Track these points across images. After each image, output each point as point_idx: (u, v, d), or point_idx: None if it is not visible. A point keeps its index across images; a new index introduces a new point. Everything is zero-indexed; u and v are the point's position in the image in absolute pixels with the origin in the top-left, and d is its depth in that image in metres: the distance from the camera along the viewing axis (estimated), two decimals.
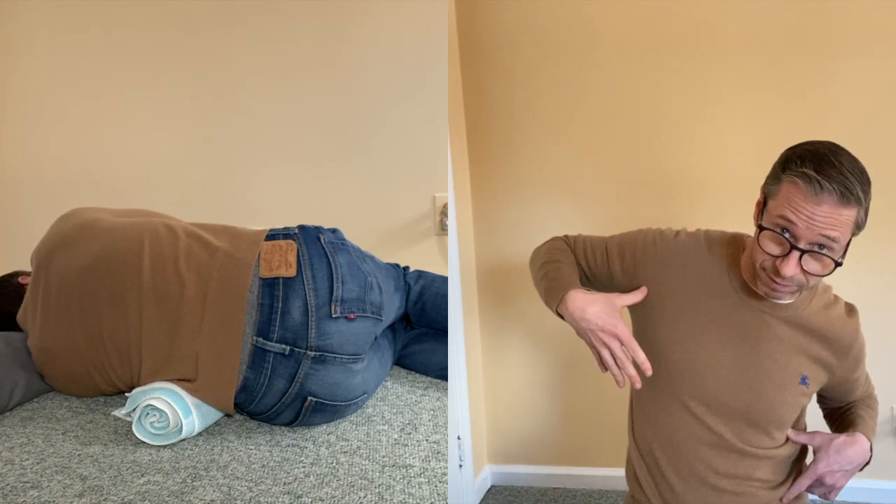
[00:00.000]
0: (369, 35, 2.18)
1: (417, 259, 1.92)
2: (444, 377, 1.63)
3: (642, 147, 1.90)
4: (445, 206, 2.21)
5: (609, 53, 1.87)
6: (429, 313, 1.66)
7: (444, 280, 1.69)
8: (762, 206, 1.00)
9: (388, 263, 1.59)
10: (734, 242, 1.09)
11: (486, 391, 2.18)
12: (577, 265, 1.18)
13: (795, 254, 0.93)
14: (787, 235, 0.94)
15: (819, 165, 0.91)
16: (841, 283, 1.15)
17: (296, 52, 2.19)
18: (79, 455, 1.23)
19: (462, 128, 2.03)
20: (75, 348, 1.38)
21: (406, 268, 1.69)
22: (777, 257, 0.95)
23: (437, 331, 1.69)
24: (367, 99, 2.21)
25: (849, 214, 0.92)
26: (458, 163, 2.00)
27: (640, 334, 1.13)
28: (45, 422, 1.37)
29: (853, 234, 0.95)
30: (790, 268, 0.93)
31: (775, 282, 0.97)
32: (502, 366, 2.15)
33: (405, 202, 2.25)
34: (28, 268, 1.54)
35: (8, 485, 1.12)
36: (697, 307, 1.08)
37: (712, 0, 1.78)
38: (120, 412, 1.36)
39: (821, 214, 0.91)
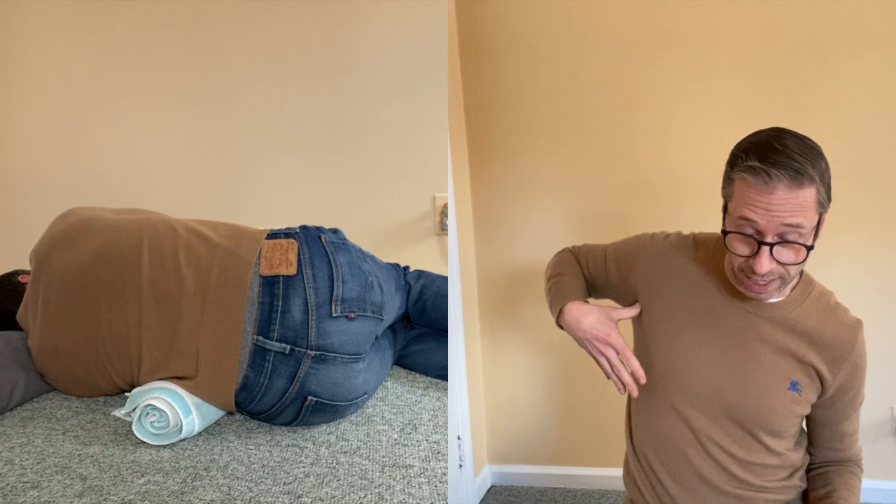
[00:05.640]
0: (369, 35, 2.18)
1: (417, 259, 1.92)
2: (444, 377, 1.63)
3: (642, 147, 1.90)
4: (445, 206, 2.21)
5: (609, 53, 1.87)
6: (429, 313, 1.65)
7: (445, 280, 1.69)
8: (725, 210, 0.99)
9: (388, 263, 1.59)
10: (721, 243, 1.08)
11: (486, 391, 2.18)
12: (581, 274, 1.21)
13: (765, 249, 0.92)
14: (751, 233, 0.93)
15: (763, 154, 0.90)
16: (841, 284, 1.15)
17: (296, 52, 2.19)
18: (79, 455, 1.23)
19: (462, 128, 2.03)
20: (75, 346, 1.38)
21: (406, 268, 1.69)
22: (749, 257, 0.94)
23: (437, 331, 1.69)
24: (368, 99, 2.21)
25: (806, 195, 0.89)
26: (458, 163, 2.00)
27: (637, 340, 1.15)
28: (45, 422, 1.37)
29: (820, 214, 0.93)
30: (763, 264, 0.92)
31: (755, 281, 0.96)
32: (502, 366, 2.15)
33: (405, 202, 2.25)
34: (28, 267, 1.54)
35: (8, 485, 1.12)
36: (682, 308, 1.08)
37: (712, 2, 1.78)
38: (120, 412, 1.35)
39: (777, 203, 0.89)
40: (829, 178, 0.93)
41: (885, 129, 1.77)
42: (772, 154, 0.89)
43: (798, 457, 1.11)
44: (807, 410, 1.06)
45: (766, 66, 1.79)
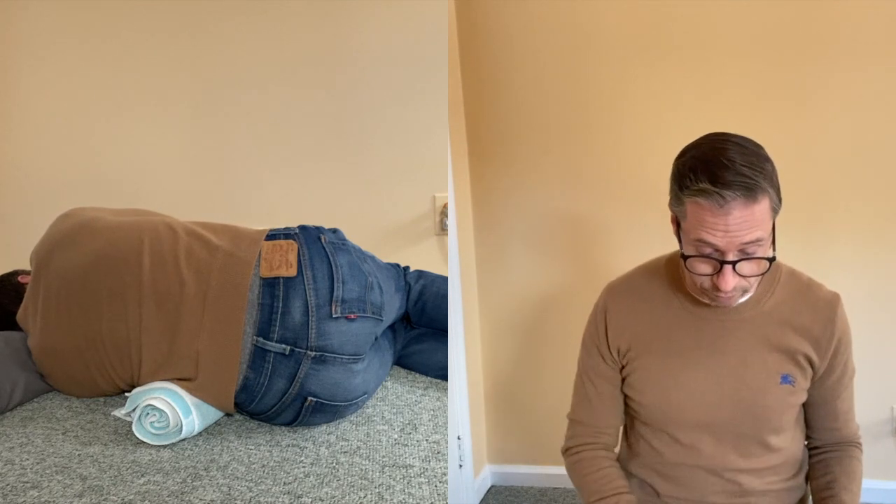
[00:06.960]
0: (369, 35, 2.18)
1: (417, 259, 1.92)
2: (444, 377, 1.63)
3: (643, 147, 1.90)
4: (445, 206, 2.21)
5: (609, 53, 1.86)
6: (429, 313, 1.66)
7: (445, 280, 1.69)
8: (677, 225, 0.97)
9: (388, 263, 1.59)
10: (672, 262, 1.07)
11: (486, 391, 2.18)
12: (608, 458, 1.15)
13: (728, 268, 0.90)
14: (711, 253, 0.91)
15: (713, 174, 0.87)
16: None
17: (296, 52, 2.19)
18: (79, 455, 1.23)
19: (462, 128, 2.03)
20: (76, 347, 1.38)
21: (406, 268, 1.69)
22: (712, 275, 0.93)
23: (437, 331, 1.69)
24: (367, 99, 2.21)
25: (761, 208, 0.88)
26: (458, 163, 2.00)
27: (628, 390, 1.11)
28: (45, 422, 1.37)
29: (774, 219, 0.92)
30: (727, 282, 0.91)
31: (720, 297, 0.95)
32: (502, 366, 2.15)
33: (405, 202, 2.25)
34: (28, 267, 1.54)
35: (8, 485, 1.12)
36: (659, 340, 1.06)
37: (712, 2, 1.78)
38: (120, 412, 1.36)
39: (734, 223, 0.87)
40: (777, 178, 0.91)
41: (885, 132, 1.77)
42: (721, 172, 0.87)
43: (798, 448, 1.10)
44: (803, 398, 1.05)
45: (767, 68, 1.78)
